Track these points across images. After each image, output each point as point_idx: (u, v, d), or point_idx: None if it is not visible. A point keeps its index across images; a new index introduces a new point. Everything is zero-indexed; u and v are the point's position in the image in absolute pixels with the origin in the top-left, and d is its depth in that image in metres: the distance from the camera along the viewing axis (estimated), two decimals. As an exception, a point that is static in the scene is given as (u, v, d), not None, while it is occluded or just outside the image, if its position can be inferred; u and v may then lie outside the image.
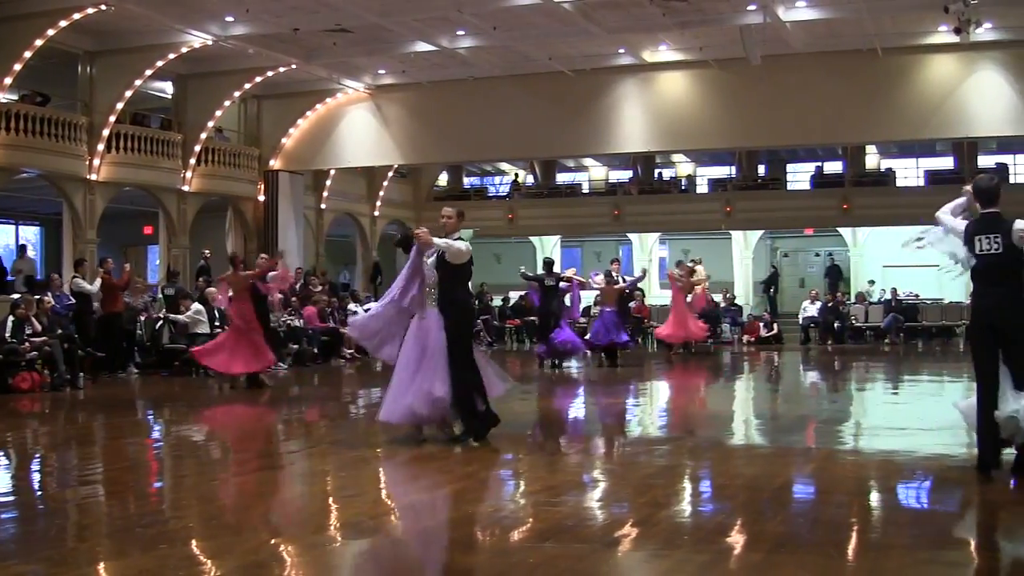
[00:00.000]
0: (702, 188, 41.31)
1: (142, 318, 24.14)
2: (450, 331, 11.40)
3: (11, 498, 9.26)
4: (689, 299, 28.08)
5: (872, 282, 36.63)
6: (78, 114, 27.39)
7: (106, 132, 27.41)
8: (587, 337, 25.12)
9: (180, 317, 23.21)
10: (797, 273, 42.01)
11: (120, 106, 27.77)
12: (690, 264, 30.52)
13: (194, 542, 7.37)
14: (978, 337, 9.51)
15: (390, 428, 11.89)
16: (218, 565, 6.71)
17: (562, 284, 23.74)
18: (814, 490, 9.42)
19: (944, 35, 26.24)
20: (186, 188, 30.41)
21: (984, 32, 25.68)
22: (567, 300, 24.03)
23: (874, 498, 8.99)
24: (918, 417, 14.34)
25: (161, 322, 23.95)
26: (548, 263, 24.54)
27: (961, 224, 9.49)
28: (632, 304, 27.27)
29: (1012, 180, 36.31)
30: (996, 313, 9.21)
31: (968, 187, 9.68)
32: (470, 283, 12.35)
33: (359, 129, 33.18)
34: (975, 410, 9.32)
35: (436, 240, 11.24)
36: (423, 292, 11.44)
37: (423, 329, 11.43)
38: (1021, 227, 8.99)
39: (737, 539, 7.41)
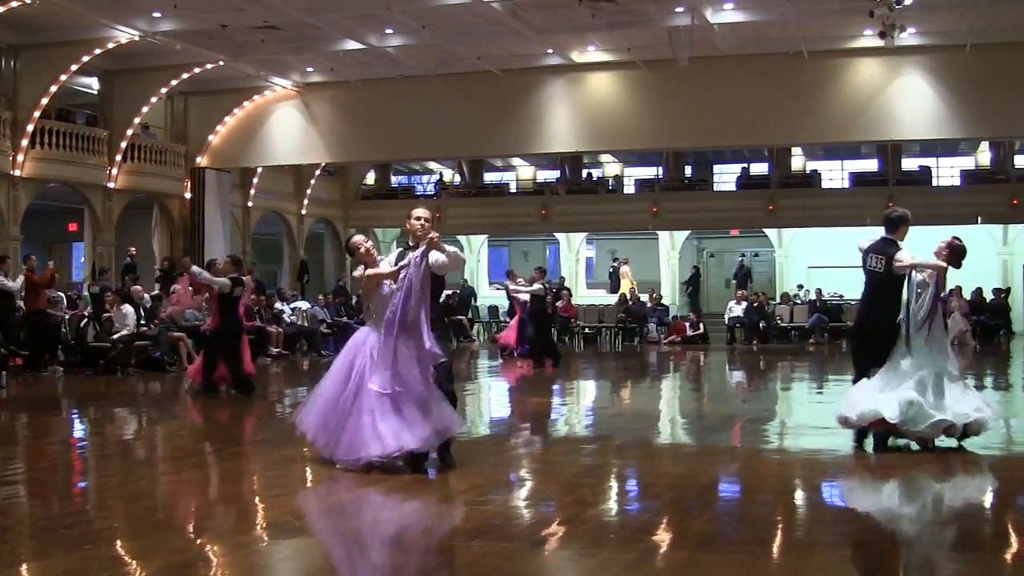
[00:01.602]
0: (629, 188, 41.34)
1: (65, 316, 23.84)
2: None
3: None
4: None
5: (801, 286, 36.95)
6: (2, 109, 26.98)
7: (30, 128, 27.03)
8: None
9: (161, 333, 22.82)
10: (723, 273, 42.31)
11: (45, 101, 27.41)
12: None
13: (119, 542, 7.31)
14: (856, 340, 11.79)
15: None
16: (143, 566, 6.68)
17: None
18: (739, 489, 9.52)
19: (869, 39, 26.63)
20: (112, 185, 30.04)
21: (908, 37, 26.01)
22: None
23: (798, 496, 9.10)
24: (841, 416, 14.48)
25: (86, 320, 23.67)
26: None
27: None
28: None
29: (935, 183, 36.80)
30: (866, 323, 11.32)
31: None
32: None
33: (287, 127, 32.97)
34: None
35: (447, 248, 9.66)
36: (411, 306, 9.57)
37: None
38: (899, 260, 10.71)
39: (663, 537, 7.48)
